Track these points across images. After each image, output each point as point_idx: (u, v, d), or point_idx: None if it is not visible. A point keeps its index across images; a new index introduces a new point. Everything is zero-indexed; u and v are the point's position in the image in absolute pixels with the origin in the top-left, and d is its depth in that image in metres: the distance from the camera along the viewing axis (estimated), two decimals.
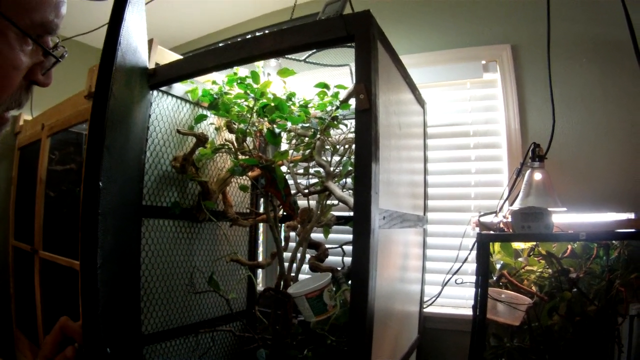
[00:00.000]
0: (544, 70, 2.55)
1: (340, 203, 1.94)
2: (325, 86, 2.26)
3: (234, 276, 2.87)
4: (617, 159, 2.52)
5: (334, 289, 2.10)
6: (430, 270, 2.85)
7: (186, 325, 2.49)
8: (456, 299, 2.84)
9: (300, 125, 2.33)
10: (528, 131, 2.76)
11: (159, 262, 2.31)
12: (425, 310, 2.74)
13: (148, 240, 2.25)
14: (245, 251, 3.06)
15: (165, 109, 2.35)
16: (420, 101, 2.66)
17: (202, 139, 2.28)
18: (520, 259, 2.29)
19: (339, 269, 2.20)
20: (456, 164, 2.97)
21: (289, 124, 2.30)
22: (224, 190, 2.63)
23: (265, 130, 2.32)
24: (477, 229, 2.31)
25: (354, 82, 1.59)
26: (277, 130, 2.28)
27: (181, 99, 2.46)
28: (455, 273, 2.64)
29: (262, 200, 2.79)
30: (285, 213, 2.52)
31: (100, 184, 1.54)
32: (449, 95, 3.05)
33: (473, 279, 2.12)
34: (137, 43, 1.88)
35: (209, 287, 2.52)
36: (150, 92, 2.21)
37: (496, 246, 2.28)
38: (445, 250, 2.87)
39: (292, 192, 2.43)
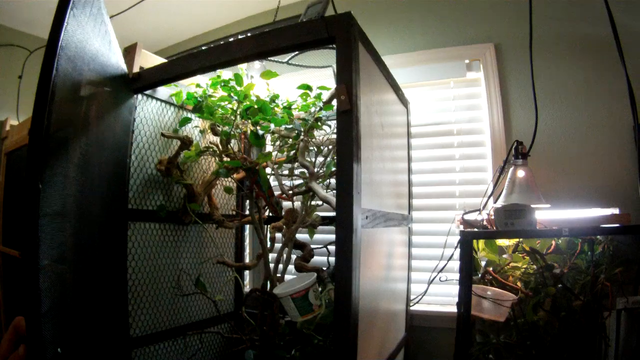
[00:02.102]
0: (527, 68, 2.54)
1: (324, 204, 1.94)
2: (308, 87, 2.27)
3: (221, 278, 2.88)
4: (601, 155, 2.54)
5: (320, 288, 2.11)
6: (416, 269, 2.86)
7: (174, 328, 2.49)
8: (443, 297, 2.84)
9: (283, 126, 2.34)
10: (512, 129, 2.77)
11: (146, 265, 2.32)
12: (411, 308, 2.76)
13: (135, 244, 2.26)
14: (232, 253, 3.06)
15: (150, 113, 2.37)
16: (403, 101, 2.67)
17: (186, 142, 2.28)
18: (504, 256, 2.31)
19: (324, 268, 2.21)
20: (440, 162, 2.99)
21: (272, 126, 2.30)
22: (209, 192, 2.63)
23: (249, 132, 2.31)
24: (461, 227, 2.32)
25: (336, 83, 1.59)
26: (260, 132, 2.29)
27: (166, 102, 2.47)
28: (440, 271, 2.65)
29: (247, 202, 2.78)
30: (270, 214, 2.53)
31: (40, 185, 1.51)
32: (432, 95, 3.06)
33: (457, 275, 2.14)
34: (99, 49, 1.86)
35: (197, 289, 2.53)
36: (135, 96, 2.22)
37: (480, 243, 2.29)
38: (430, 249, 2.88)
39: (277, 193, 2.44)
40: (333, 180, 2.18)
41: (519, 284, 2.27)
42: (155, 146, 2.38)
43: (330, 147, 2.36)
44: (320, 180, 2.22)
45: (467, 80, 2.99)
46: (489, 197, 2.45)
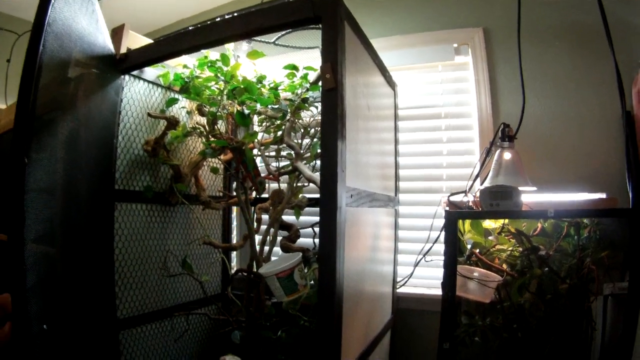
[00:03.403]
0: (516, 53, 2.49)
1: (311, 184, 1.95)
2: (294, 68, 2.27)
3: (208, 259, 2.89)
4: (589, 141, 2.53)
5: (305, 268, 2.11)
6: (403, 251, 2.86)
7: (161, 309, 2.50)
8: (429, 279, 2.85)
9: (270, 107, 2.33)
10: (500, 113, 2.75)
11: (132, 246, 2.33)
12: (398, 290, 2.76)
13: (121, 225, 2.27)
14: (219, 234, 3.08)
15: (137, 94, 2.37)
16: (390, 83, 2.67)
17: (172, 122, 2.29)
18: (490, 238, 2.31)
19: (310, 249, 2.21)
20: (428, 145, 2.96)
21: (258, 106, 2.30)
22: (196, 173, 2.63)
23: (235, 112, 2.31)
24: (448, 209, 2.30)
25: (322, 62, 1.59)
26: (246, 112, 2.28)
27: (153, 83, 2.47)
28: (426, 253, 2.66)
29: (234, 183, 2.77)
30: (258, 195, 2.53)
31: (26, 160, 1.52)
32: (420, 78, 3.05)
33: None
34: (86, 28, 1.87)
35: (183, 270, 2.54)
36: (122, 77, 2.21)
37: (467, 225, 2.29)
38: (417, 232, 2.86)
39: (264, 174, 2.44)
40: (319, 162, 2.21)
41: (504, 266, 2.28)
42: (142, 127, 2.39)
43: (317, 128, 2.35)
44: (306, 161, 2.21)
45: (456, 64, 2.97)
46: (475, 179, 2.45)
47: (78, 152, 1.93)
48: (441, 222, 2.44)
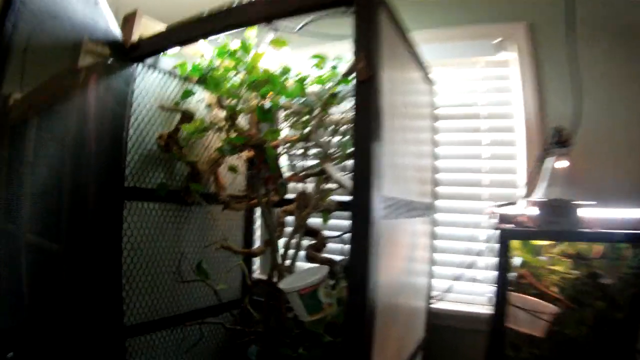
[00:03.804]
0: (563, 51, 2.36)
1: (340, 187, 1.75)
2: (322, 57, 2.06)
3: (227, 264, 2.69)
4: None
5: (332, 283, 1.90)
6: (439, 263, 2.65)
7: (173, 317, 2.36)
8: (466, 295, 2.64)
9: (295, 100, 2.13)
10: (547, 115, 2.53)
11: (143, 248, 2.20)
12: (432, 306, 2.55)
13: (131, 225, 2.13)
14: (240, 237, 2.90)
15: (152, 85, 2.25)
16: (428, 80, 2.45)
17: (187, 115, 2.14)
18: (542, 258, 2.07)
19: (338, 260, 2.00)
20: (467, 148, 2.75)
21: (282, 100, 2.08)
22: (215, 171, 2.47)
23: (256, 107, 2.10)
24: (494, 221, 2.10)
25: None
26: (267, 106, 2.06)
27: (169, 73, 2.35)
28: (469, 267, 2.47)
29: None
30: (278, 198, 2.34)
31: None
32: (459, 75, 2.83)
33: (486, 273, 1.92)
34: (79, 11, 1.77)
35: (198, 275, 2.36)
36: (133, 65, 2.11)
37: (514, 241, 2.06)
38: (454, 242, 2.67)
39: (289, 174, 2.27)
40: (351, 162, 2.00)
41: (554, 289, 2.04)
42: (156, 120, 2.26)
43: (348, 126, 2.14)
44: (336, 161, 2.02)
45: (497, 61, 2.75)
46: (525, 189, 2.21)
47: (77, 146, 1.85)
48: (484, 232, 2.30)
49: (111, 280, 1.98)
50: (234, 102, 2.14)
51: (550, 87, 2.56)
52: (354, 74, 1.38)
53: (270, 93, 2.04)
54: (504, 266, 1.85)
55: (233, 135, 2.18)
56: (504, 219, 2.05)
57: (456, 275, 2.53)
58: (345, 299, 1.74)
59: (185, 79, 2.40)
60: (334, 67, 2.11)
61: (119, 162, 2.03)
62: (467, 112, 2.79)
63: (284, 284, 1.91)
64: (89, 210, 1.89)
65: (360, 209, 1.29)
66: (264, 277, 2.34)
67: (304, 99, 2.09)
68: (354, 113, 1.36)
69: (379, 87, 1.36)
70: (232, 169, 2.33)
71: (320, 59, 2.08)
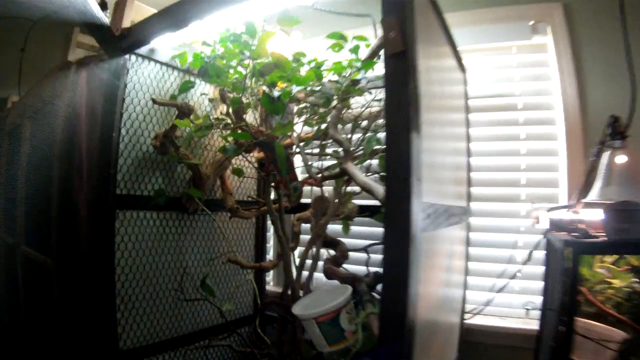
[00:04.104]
0: (603, 34, 2.19)
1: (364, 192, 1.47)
2: (341, 37, 1.76)
3: (236, 279, 2.48)
4: None
5: (356, 305, 1.62)
6: (472, 273, 2.40)
7: (174, 339, 2.15)
8: (501, 307, 2.39)
9: (309, 88, 1.83)
10: (588, 105, 2.29)
11: (139, 264, 1.99)
12: (466, 321, 2.30)
13: (124, 238, 1.93)
14: (251, 248, 2.64)
15: (147, 78, 2.02)
16: (462, 67, 2.20)
17: (184, 110, 1.90)
18: (600, 270, 1.79)
19: (363, 276, 1.73)
20: (502, 143, 2.49)
21: (294, 89, 1.79)
22: (222, 174, 2.23)
23: (262, 95, 1.82)
24: (540, 225, 1.89)
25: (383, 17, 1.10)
26: (276, 94, 1.76)
27: (167, 65, 2.12)
28: (513, 277, 2.25)
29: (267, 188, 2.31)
30: (290, 205, 2.06)
31: None
32: (491, 62, 2.57)
33: (524, 283, 1.63)
34: None
35: (202, 292, 2.11)
36: (126, 56, 1.90)
37: (558, 249, 1.77)
38: (490, 249, 2.42)
39: (304, 177, 2.01)
40: (375, 162, 1.78)
41: (607, 305, 1.74)
42: (153, 118, 2.04)
43: (370, 120, 1.88)
44: (358, 161, 1.75)
45: (533, 45, 2.50)
46: (584, 188, 1.91)
47: (59, 149, 1.73)
48: (525, 238, 2.23)
49: (102, 301, 1.77)
50: (237, 94, 1.88)
51: (590, 75, 2.33)
52: (379, 54, 1.11)
53: (280, 84, 1.75)
54: (573, 288, 1.54)
55: (234, 132, 1.92)
56: (556, 225, 1.77)
57: (494, 287, 2.32)
58: (371, 325, 1.48)
59: (187, 71, 2.18)
60: (355, 49, 1.79)
61: (107, 166, 1.80)
62: (501, 103, 2.52)
63: (299, 308, 1.64)
64: (73, 221, 1.72)
65: (396, 219, 1.02)
66: (278, 289, 2.06)
67: (319, 87, 1.79)
68: (383, 98, 1.08)
69: (416, 62, 1.08)
70: (237, 172, 2.05)
71: (338, 39, 1.77)
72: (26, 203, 1.68)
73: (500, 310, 2.38)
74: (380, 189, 1.18)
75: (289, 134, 1.95)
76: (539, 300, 2.20)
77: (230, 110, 2.01)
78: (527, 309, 2.27)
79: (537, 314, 2.19)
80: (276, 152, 1.78)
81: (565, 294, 1.59)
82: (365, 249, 2.11)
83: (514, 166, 2.45)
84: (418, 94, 1.07)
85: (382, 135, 1.59)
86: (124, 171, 1.90)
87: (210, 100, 2.21)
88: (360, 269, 2.16)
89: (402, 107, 1.02)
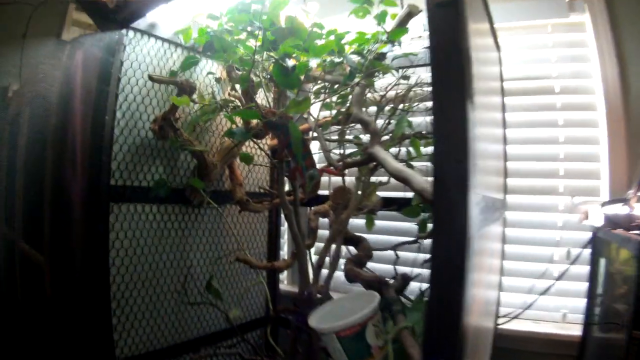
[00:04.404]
0: None
1: (390, 180, 1.27)
2: (366, 1, 1.53)
3: (246, 278, 2.31)
4: None
5: (383, 316, 1.41)
6: (507, 273, 2.22)
7: (177, 345, 1.99)
8: (535, 310, 2.19)
9: (328, 60, 1.62)
10: (631, 89, 2.11)
11: (137, 263, 1.81)
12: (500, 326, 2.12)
13: (120, 234, 1.74)
14: (263, 245, 2.46)
15: (147, 55, 1.83)
16: (497, 46, 2.01)
17: (184, 88, 1.70)
18: None
19: (392, 280, 1.52)
20: (539, 130, 2.28)
21: (312, 64, 1.57)
22: (230, 163, 2.07)
23: (273, 67, 1.60)
24: (590, 221, 1.79)
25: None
26: (290, 64, 1.51)
27: (170, 42, 1.92)
28: (560, 278, 2.07)
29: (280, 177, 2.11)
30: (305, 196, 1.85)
31: None
32: (525, 41, 2.37)
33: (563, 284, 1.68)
34: None
35: (208, 295, 1.97)
36: (122, 31, 1.70)
37: (619, 252, 1.60)
38: (524, 246, 2.23)
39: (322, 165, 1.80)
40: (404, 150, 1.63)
41: None
42: (153, 99, 1.85)
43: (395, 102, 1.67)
44: (388, 144, 1.54)
45: (569, 23, 2.29)
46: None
47: (45, 135, 1.65)
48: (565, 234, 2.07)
49: (96, 305, 1.58)
50: (246, 71, 1.66)
51: (634, 55, 2.14)
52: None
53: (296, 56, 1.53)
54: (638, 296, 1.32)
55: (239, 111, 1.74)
56: (611, 221, 1.56)
57: (531, 289, 2.14)
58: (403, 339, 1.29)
59: (191, 49, 1.98)
60: (381, 17, 1.55)
61: (99, 154, 1.60)
62: (537, 86, 2.32)
63: (317, 320, 1.43)
64: (62, 215, 1.58)
65: (450, 213, 0.80)
66: (293, 289, 1.89)
67: (340, 60, 1.57)
68: (432, 64, 0.86)
69: (466, 16, 0.87)
70: (246, 158, 1.85)
71: (362, 3, 1.54)
72: (21, 196, 1.54)
73: (534, 313, 2.19)
74: (418, 177, 0.98)
75: (305, 116, 1.74)
76: (575, 303, 2.05)
77: (239, 90, 1.80)
78: (565, 313, 2.08)
79: (574, 318, 2.05)
80: (290, 134, 1.55)
81: (624, 302, 1.38)
82: (393, 249, 1.89)
83: (551, 155, 2.24)
84: (469, 56, 0.86)
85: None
86: (119, 159, 1.72)
87: (217, 80, 2.02)
88: (384, 268, 1.98)
89: (454, 70, 0.82)
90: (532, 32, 2.36)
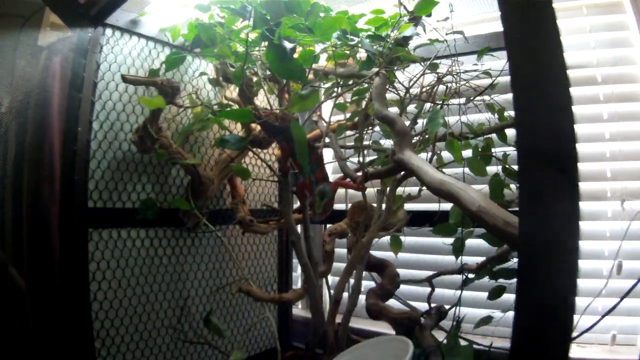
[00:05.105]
0: None
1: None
2: None
3: (253, 310, 2.07)
4: None
5: None
6: None
7: None
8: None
9: (337, 45, 1.35)
10: None
11: (122, 297, 1.59)
12: None
13: (102, 265, 1.52)
14: (274, 271, 2.23)
15: (129, 57, 1.63)
16: None
17: (165, 90, 1.48)
18: None
19: (425, 318, 1.26)
20: (581, 126, 2.03)
21: (318, 49, 1.30)
22: (231, 177, 1.84)
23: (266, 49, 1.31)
24: None
25: None
26: (288, 45, 1.19)
27: (155, 40, 1.73)
28: (625, 295, 1.76)
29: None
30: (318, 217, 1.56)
31: None
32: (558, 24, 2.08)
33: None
34: None
35: (207, 331, 1.69)
36: (98, 29, 1.54)
37: None
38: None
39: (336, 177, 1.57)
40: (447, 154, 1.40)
41: None
42: (136, 107, 1.63)
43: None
44: (418, 147, 1.28)
45: (606, 3, 2.07)
46: None
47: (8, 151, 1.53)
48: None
49: (78, 343, 1.41)
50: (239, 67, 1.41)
51: None
52: None
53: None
54: None
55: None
56: None
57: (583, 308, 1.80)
58: None
59: (181, 48, 1.76)
60: None
61: (72, 172, 1.42)
62: (575, 76, 2.08)
63: None
64: (40, 242, 1.42)
65: (554, 258, 0.55)
66: (307, 315, 1.69)
67: (355, 42, 1.29)
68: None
69: None
70: (241, 172, 1.60)
71: None
72: (10, 217, 1.44)
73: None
74: (471, 191, 0.72)
75: (314, 118, 1.48)
76: (626, 322, 1.82)
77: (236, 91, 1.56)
78: (614, 334, 1.83)
79: (625, 339, 1.81)
80: (294, 139, 1.25)
81: None
82: (429, 280, 1.63)
83: (597, 154, 1.99)
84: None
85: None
86: (97, 177, 1.50)
87: (211, 81, 1.78)
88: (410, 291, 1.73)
89: (550, 43, 0.62)
90: (566, 15, 2.12)
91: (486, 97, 1.54)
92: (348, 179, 1.38)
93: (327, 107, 1.62)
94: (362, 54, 1.41)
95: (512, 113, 1.55)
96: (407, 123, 1.46)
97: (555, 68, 0.60)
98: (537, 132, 0.57)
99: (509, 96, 1.40)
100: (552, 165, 0.54)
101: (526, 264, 0.59)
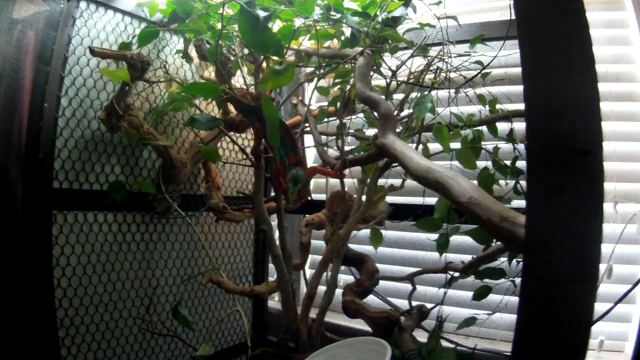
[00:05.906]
0: None
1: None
2: None
3: (225, 301, 1.99)
4: None
5: None
6: None
7: None
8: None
9: (319, 22, 1.25)
10: None
11: (87, 285, 1.51)
12: None
13: (66, 250, 1.45)
14: (249, 261, 2.16)
15: (102, 31, 1.54)
16: None
17: (134, 64, 1.39)
18: None
19: (405, 316, 1.19)
20: None
21: (297, 23, 1.22)
22: (205, 161, 1.78)
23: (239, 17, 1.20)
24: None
25: None
26: (261, 14, 1.07)
27: (132, 15, 1.64)
28: (619, 301, 1.74)
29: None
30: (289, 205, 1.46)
31: None
32: None
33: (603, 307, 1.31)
34: None
35: (176, 323, 1.61)
36: (71, 1, 1.46)
37: None
38: None
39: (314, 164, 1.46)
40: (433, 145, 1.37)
41: None
42: (108, 83, 1.54)
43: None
44: (404, 134, 1.19)
45: (606, 0, 2.03)
46: None
47: None
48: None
49: (38, 335, 1.35)
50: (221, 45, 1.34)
51: None
52: None
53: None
54: None
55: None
56: None
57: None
58: None
59: (158, 24, 1.65)
60: None
61: (37, 149, 1.35)
62: None
63: None
64: (5, 223, 1.30)
65: (569, 259, 0.52)
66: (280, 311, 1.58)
67: (338, 17, 1.21)
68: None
69: None
70: (210, 154, 1.50)
71: None
72: None
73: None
74: (462, 181, 0.66)
75: (294, 102, 1.40)
76: (614, 328, 1.76)
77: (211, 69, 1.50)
78: (602, 340, 1.76)
79: (613, 345, 1.76)
80: (265, 117, 1.12)
81: None
82: (410, 279, 1.54)
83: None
84: None
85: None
86: (63, 156, 1.43)
87: (185, 57, 1.68)
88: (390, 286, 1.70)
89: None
90: None
91: (478, 90, 1.49)
92: (327, 166, 1.30)
93: (309, 93, 1.56)
94: (347, 35, 1.35)
95: (504, 106, 1.51)
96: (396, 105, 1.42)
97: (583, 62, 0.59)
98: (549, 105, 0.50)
99: (501, 88, 1.34)
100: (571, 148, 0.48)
101: (533, 266, 0.52)
